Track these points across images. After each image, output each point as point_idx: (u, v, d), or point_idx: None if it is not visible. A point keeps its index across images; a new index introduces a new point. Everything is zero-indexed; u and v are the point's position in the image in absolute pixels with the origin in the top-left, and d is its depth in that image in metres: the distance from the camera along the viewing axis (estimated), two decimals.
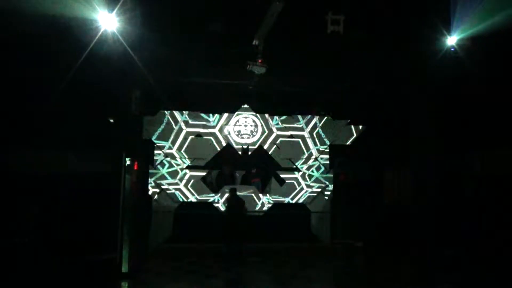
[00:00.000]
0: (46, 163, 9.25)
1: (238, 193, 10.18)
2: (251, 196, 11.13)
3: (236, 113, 11.24)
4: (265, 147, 11.34)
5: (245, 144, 11.26)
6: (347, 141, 11.61)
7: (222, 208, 10.80)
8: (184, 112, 10.95)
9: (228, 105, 11.18)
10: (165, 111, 10.83)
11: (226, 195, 10.46)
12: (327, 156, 11.58)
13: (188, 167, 10.97)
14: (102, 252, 7.95)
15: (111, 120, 9.58)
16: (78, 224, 8.52)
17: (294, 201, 11.40)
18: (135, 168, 8.37)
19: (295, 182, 11.43)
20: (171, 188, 10.82)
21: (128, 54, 7.97)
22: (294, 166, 11.47)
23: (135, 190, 8.38)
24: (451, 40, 8.43)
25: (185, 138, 10.93)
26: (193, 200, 10.93)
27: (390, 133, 11.17)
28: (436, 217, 10.01)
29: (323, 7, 8.27)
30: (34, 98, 8.74)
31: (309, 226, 11.33)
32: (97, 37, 7.38)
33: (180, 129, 10.92)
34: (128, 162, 8.14)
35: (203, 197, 10.98)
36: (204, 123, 11.08)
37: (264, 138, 11.33)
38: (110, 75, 8.48)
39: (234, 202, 9.92)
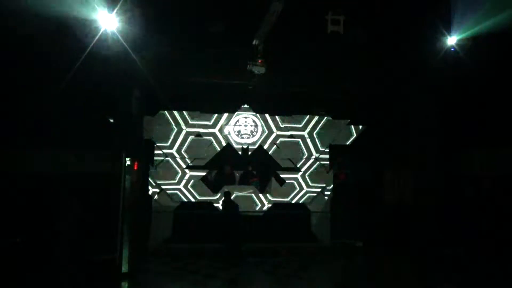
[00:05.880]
0: (46, 163, 9.25)
1: (238, 193, 10.16)
2: (251, 196, 11.12)
3: (236, 113, 11.23)
4: (265, 147, 11.32)
5: (245, 144, 11.25)
6: (347, 141, 11.61)
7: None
8: (184, 112, 10.94)
9: (228, 105, 11.16)
10: (165, 111, 10.82)
11: (223, 198, 10.44)
12: (327, 156, 11.58)
13: (188, 167, 10.97)
14: (102, 252, 7.94)
15: (111, 120, 9.57)
16: (78, 224, 8.51)
17: (294, 201, 11.39)
18: (135, 168, 8.37)
19: (295, 182, 11.43)
20: (171, 188, 10.82)
21: (128, 54, 7.97)
22: (294, 166, 11.47)
23: (135, 190, 8.38)
24: (451, 40, 8.43)
25: (185, 138, 10.93)
26: (193, 200, 10.92)
27: (390, 133, 11.17)
28: (436, 217, 10.02)
29: (323, 7, 8.28)
30: (34, 98, 8.75)
31: (309, 226, 11.32)
32: (97, 37, 7.39)
33: (180, 129, 10.91)
34: (128, 162, 8.14)
35: (203, 197, 10.98)
36: (204, 123, 11.07)
37: (264, 138, 11.32)
38: (110, 75, 8.48)
39: (229, 205, 9.95)
